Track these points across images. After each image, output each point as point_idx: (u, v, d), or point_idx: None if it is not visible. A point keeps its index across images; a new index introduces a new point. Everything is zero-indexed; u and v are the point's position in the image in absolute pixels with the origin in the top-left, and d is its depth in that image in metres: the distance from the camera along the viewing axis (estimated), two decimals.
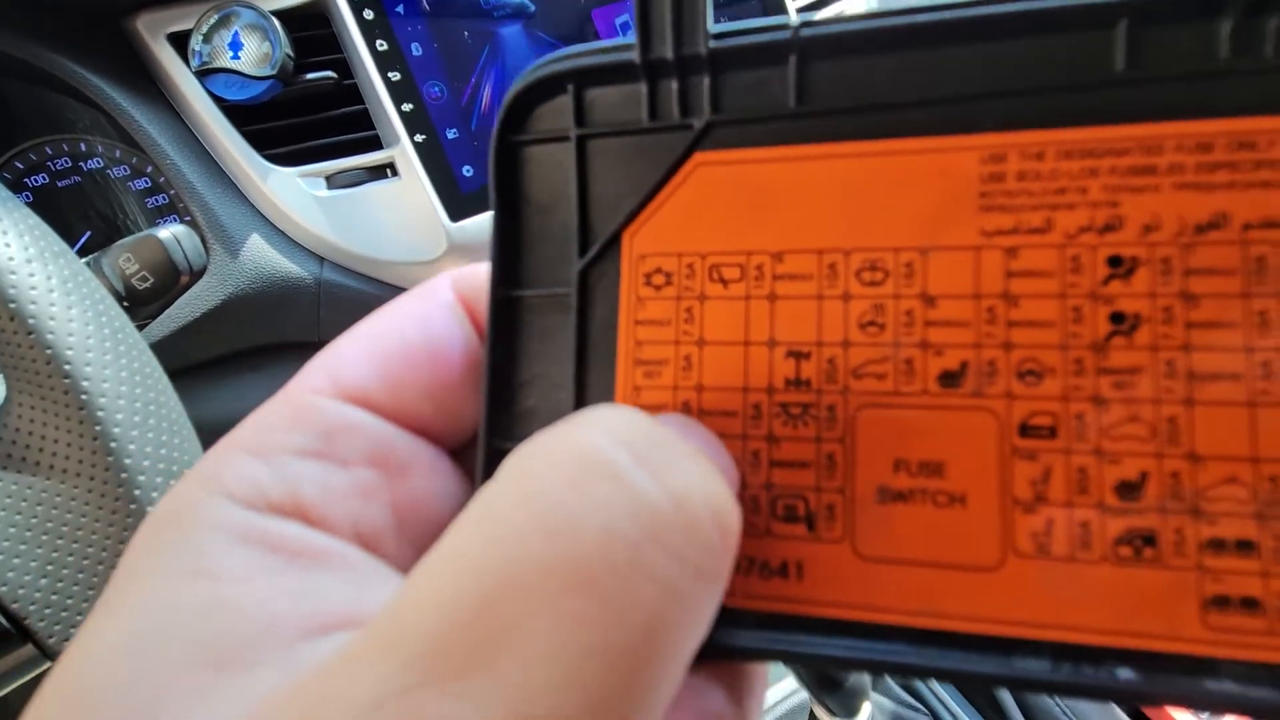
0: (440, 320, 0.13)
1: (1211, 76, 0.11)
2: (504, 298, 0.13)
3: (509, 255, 0.13)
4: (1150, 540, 0.11)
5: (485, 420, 0.13)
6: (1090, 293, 0.11)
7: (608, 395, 0.13)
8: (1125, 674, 0.10)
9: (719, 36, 0.12)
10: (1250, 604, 0.10)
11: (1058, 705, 0.58)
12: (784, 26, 0.12)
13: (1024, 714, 0.60)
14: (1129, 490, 0.11)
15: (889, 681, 0.65)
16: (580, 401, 0.13)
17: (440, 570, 0.09)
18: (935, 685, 0.65)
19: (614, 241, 0.13)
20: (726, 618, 0.11)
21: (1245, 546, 0.10)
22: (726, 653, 0.12)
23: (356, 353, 0.12)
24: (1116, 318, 0.11)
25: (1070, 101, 0.11)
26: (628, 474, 0.09)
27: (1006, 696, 0.60)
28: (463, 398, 0.13)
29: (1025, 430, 0.11)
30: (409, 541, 0.12)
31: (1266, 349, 0.10)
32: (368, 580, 0.10)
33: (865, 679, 0.49)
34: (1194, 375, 0.11)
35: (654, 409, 0.13)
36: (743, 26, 0.12)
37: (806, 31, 0.12)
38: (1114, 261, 0.11)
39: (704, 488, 0.09)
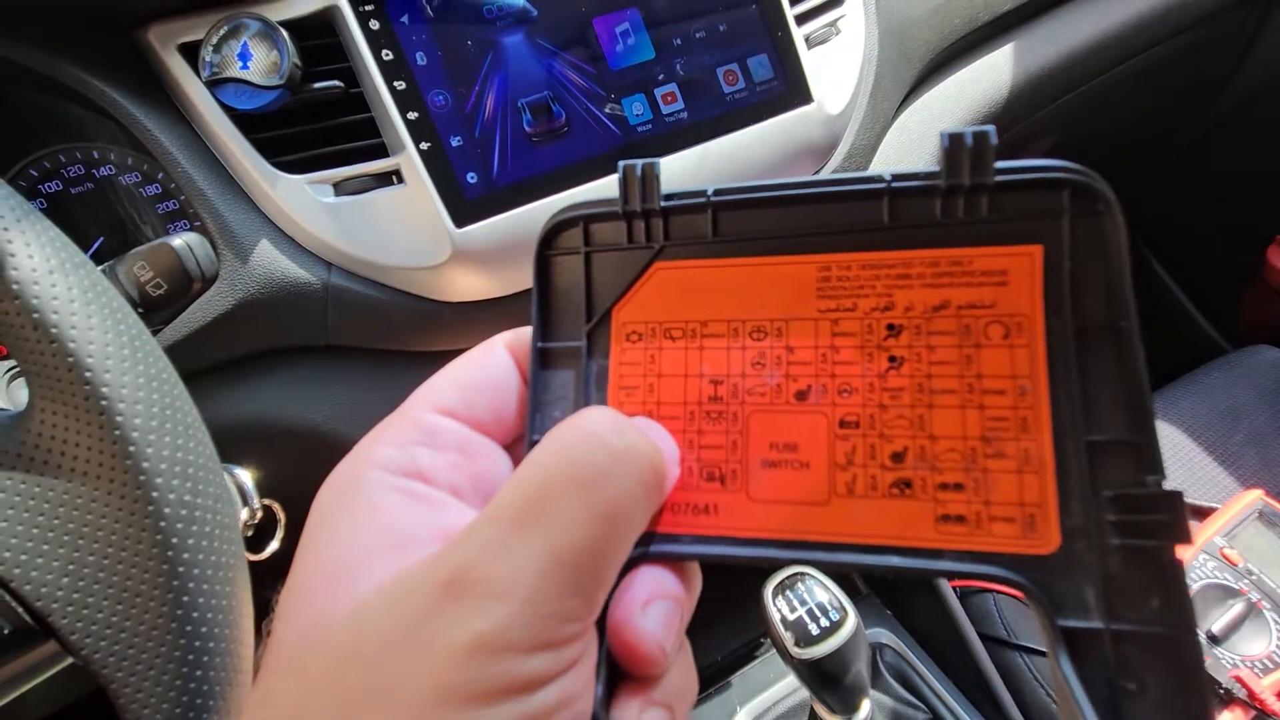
0: (496, 363, 0.21)
1: (934, 226, 0.19)
2: (540, 347, 0.21)
3: (544, 320, 0.21)
4: (909, 485, 0.18)
5: (529, 423, 0.21)
6: (877, 344, 0.19)
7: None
8: (894, 559, 0.18)
9: (667, 198, 0.20)
10: (960, 519, 0.18)
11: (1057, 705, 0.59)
12: (703, 193, 0.20)
13: (1022, 713, 0.60)
14: (897, 457, 0.19)
15: (889, 679, 0.66)
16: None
17: (514, 483, 0.17)
18: (935, 684, 0.65)
19: (607, 314, 0.21)
20: (673, 539, 0.20)
21: (958, 487, 0.18)
22: (676, 556, 0.20)
23: (444, 384, 0.20)
24: (892, 359, 0.19)
25: (862, 238, 0.19)
26: (606, 437, 0.17)
27: (1005, 696, 0.61)
28: (511, 411, 0.21)
29: (842, 424, 0.19)
30: (480, 494, 0.19)
31: (969, 376, 0.18)
32: (458, 514, 0.18)
33: (864, 678, 0.49)
34: (933, 391, 0.19)
35: (631, 415, 0.20)
36: (680, 191, 0.20)
37: (716, 197, 0.20)
38: (890, 327, 0.19)
39: (644, 446, 0.18)
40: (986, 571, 0.17)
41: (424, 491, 0.18)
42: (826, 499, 0.19)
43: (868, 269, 0.19)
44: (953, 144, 0.18)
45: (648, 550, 0.19)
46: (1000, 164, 0.18)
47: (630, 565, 0.19)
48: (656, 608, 0.18)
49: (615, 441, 0.17)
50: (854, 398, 0.19)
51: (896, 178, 0.19)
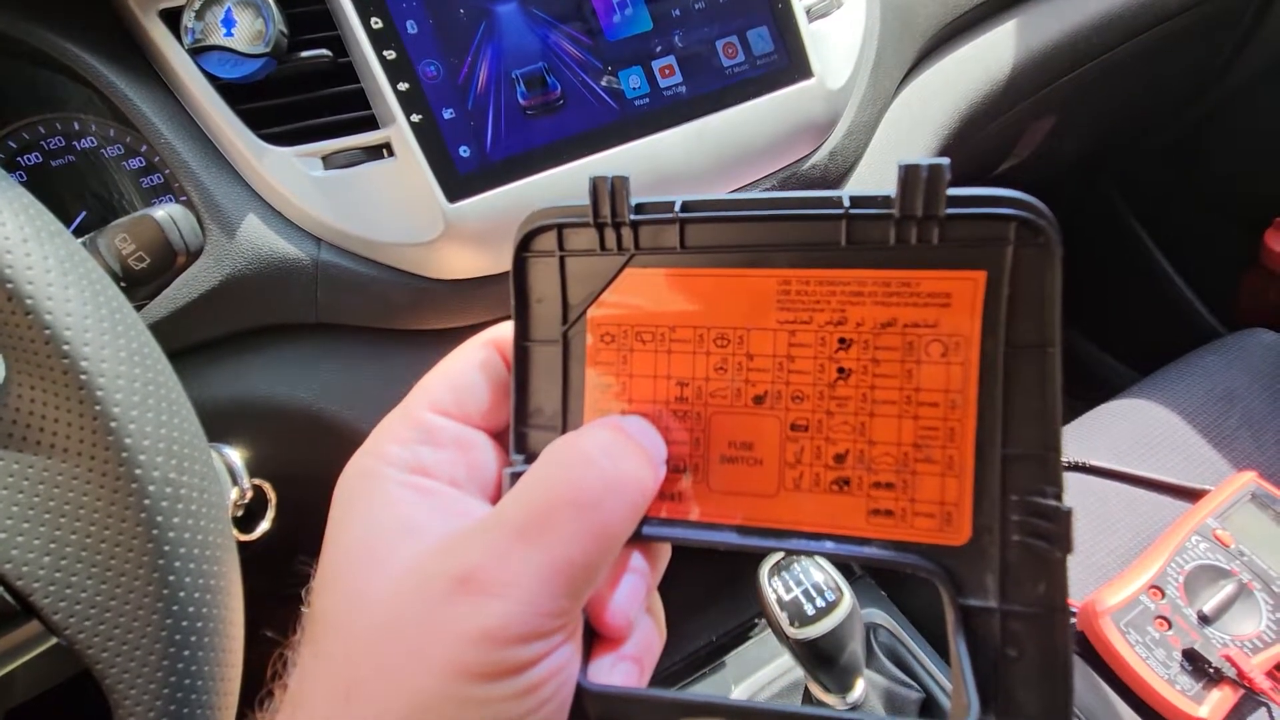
0: (482, 361, 0.23)
1: (886, 249, 0.20)
2: (522, 345, 0.23)
3: (524, 320, 0.23)
4: (847, 482, 0.21)
5: (514, 413, 0.22)
6: (829, 356, 0.21)
7: (579, 401, 0.22)
8: (828, 544, 0.21)
9: (638, 209, 0.21)
10: (889, 513, 0.20)
11: None
12: (670, 206, 0.21)
13: None
14: (840, 458, 0.21)
15: (883, 659, 0.66)
16: (565, 403, 0.22)
17: (518, 495, 0.19)
18: (928, 664, 0.66)
19: (582, 315, 0.22)
20: (642, 521, 0.21)
21: (889, 486, 0.20)
22: (643, 537, 0.22)
23: (438, 384, 0.22)
24: (841, 370, 0.21)
25: (821, 255, 0.20)
26: (602, 463, 0.20)
27: None
28: (498, 404, 0.23)
29: (793, 427, 0.21)
30: (475, 482, 0.22)
31: (909, 389, 0.20)
32: (458, 504, 0.21)
33: (859, 657, 0.49)
34: (875, 401, 0.20)
35: (605, 412, 0.22)
36: (649, 203, 0.21)
37: (684, 213, 0.21)
38: (841, 340, 0.20)
39: (635, 472, 0.20)
40: (905, 559, 0.20)
41: (428, 485, 0.21)
42: (775, 492, 0.21)
43: (824, 285, 0.20)
44: (908, 176, 0.18)
45: None
46: (952, 192, 0.19)
47: None
48: (624, 582, 0.21)
49: (609, 469, 0.19)
50: (805, 404, 0.21)
51: (855, 202, 0.20)
